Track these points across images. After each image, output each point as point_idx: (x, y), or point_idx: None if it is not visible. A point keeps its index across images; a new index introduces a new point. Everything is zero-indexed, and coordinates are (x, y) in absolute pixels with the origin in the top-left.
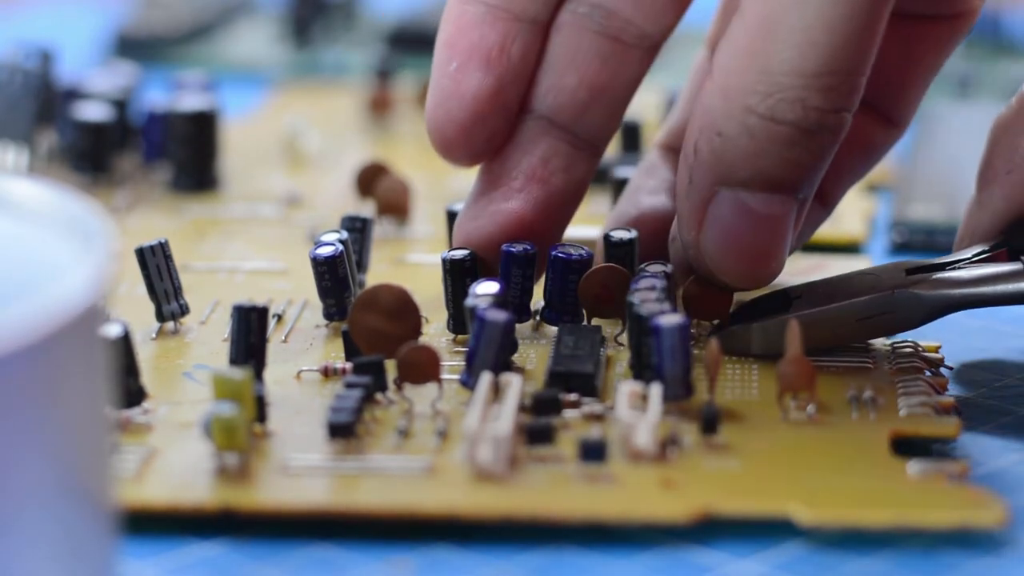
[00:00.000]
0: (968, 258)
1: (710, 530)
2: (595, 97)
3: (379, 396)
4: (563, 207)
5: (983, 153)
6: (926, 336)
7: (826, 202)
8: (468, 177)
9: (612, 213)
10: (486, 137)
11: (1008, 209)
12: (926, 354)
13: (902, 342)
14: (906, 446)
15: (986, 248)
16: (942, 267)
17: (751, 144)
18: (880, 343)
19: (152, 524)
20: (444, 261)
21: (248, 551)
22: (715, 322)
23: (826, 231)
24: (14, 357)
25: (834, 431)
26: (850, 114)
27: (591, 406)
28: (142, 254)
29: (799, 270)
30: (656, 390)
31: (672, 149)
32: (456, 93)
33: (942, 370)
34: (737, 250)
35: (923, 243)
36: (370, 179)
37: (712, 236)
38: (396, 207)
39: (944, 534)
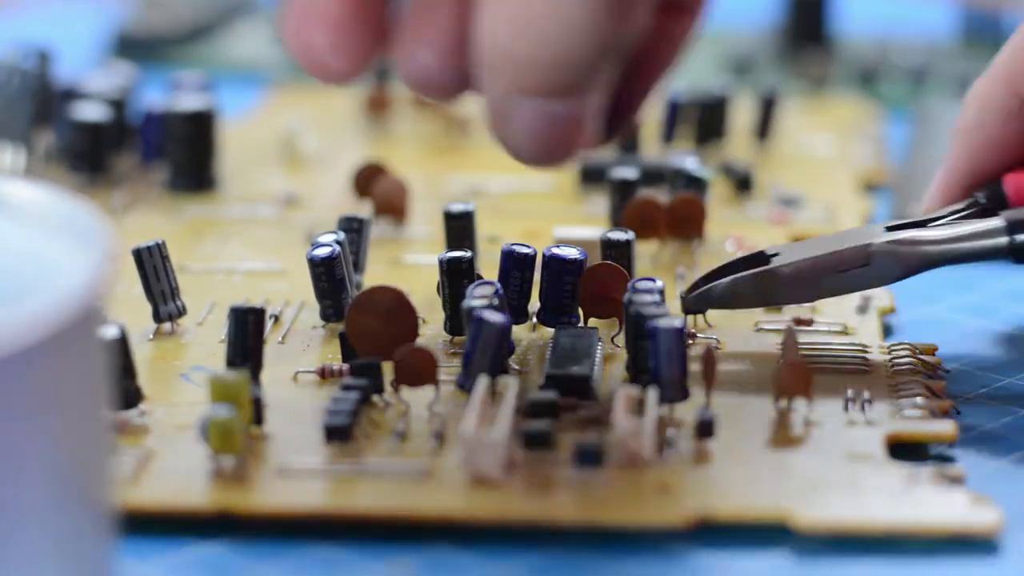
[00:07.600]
0: (947, 215)
1: (710, 530)
2: None
3: (376, 399)
4: None
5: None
6: (925, 337)
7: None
8: (467, 178)
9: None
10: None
11: (969, 162)
12: (923, 356)
13: (899, 344)
14: (903, 449)
15: (960, 208)
16: (922, 224)
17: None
18: (877, 347)
19: (152, 524)
20: (441, 262)
21: (248, 551)
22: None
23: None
24: (12, 359)
25: (831, 435)
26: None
27: (588, 410)
28: (139, 255)
29: None
30: (653, 394)
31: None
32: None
33: (939, 373)
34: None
35: None
36: (368, 179)
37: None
38: (393, 207)
39: (942, 536)
